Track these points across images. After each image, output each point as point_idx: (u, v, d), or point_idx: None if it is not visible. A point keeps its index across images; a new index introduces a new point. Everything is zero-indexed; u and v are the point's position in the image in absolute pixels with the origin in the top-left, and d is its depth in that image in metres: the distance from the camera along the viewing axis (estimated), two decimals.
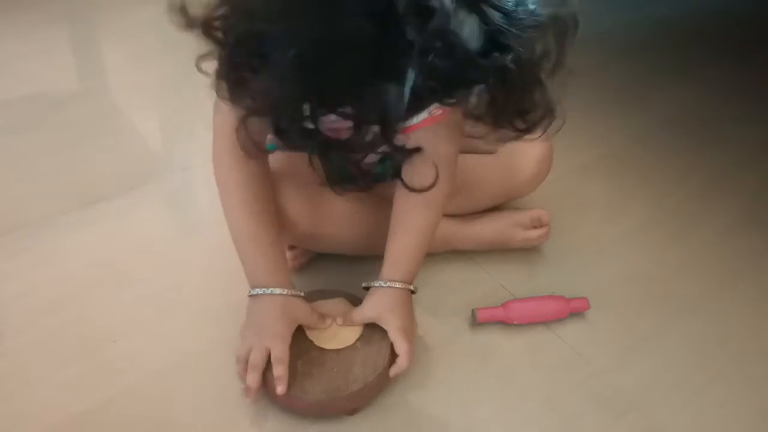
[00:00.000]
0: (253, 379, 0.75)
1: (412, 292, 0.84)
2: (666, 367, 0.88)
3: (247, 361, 0.76)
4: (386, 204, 0.93)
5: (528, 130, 0.60)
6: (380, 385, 0.79)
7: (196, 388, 0.81)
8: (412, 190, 0.67)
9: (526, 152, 0.96)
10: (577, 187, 1.16)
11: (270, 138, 0.94)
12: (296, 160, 0.90)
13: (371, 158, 0.63)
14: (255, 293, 0.79)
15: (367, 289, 0.85)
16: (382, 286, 0.82)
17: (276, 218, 0.83)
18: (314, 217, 0.86)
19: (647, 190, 1.18)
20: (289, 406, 0.78)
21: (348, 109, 0.52)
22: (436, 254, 0.98)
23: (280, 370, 0.75)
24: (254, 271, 0.81)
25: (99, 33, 1.62)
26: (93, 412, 0.77)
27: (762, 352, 0.91)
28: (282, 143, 0.60)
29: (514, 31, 0.51)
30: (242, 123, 0.58)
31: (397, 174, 0.69)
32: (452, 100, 0.54)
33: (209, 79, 0.58)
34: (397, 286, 0.82)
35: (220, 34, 0.55)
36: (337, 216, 0.88)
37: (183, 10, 0.56)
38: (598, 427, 0.80)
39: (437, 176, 0.67)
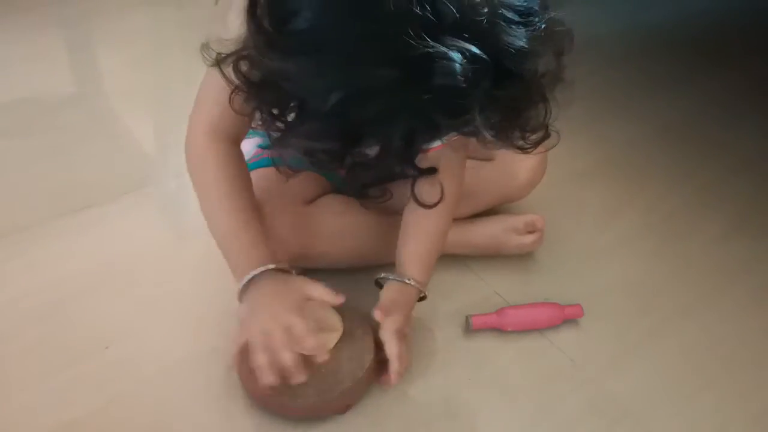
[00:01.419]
0: (290, 357, 0.70)
1: (422, 298, 0.85)
2: (659, 373, 0.88)
3: (263, 351, 0.71)
4: (378, 215, 0.93)
5: (529, 148, 0.62)
6: (369, 379, 0.79)
7: (189, 395, 0.80)
8: (423, 205, 0.70)
9: (521, 157, 0.95)
10: (571, 193, 1.16)
11: (264, 153, 0.94)
12: (283, 179, 0.89)
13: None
14: (247, 279, 0.75)
15: (379, 285, 0.85)
16: (398, 281, 0.83)
17: (255, 206, 0.81)
18: (304, 236, 0.86)
19: (641, 197, 1.18)
20: (283, 412, 0.77)
21: (375, 144, 0.55)
22: None
23: (311, 342, 0.71)
24: (240, 269, 0.77)
25: (94, 37, 1.62)
26: (84, 419, 0.77)
27: (754, 359, 0.91)
28: (310, 163, 0.61)
29: (522, 56, 0.53)
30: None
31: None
32: (468, 129, 0.55)
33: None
34: (412, 283, 0.83)
35: (248, 72, 0.57)
36: (327, 233, 0.88)
37: (205, 48, 0.59)
38: None
39: (443, 193, 0.70)
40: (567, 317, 0.91)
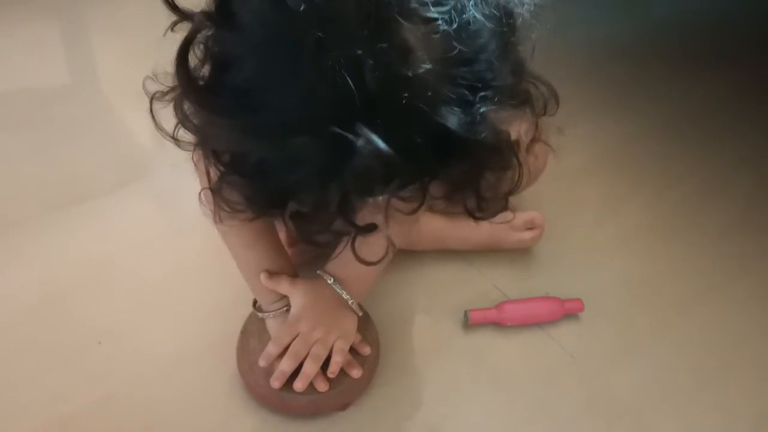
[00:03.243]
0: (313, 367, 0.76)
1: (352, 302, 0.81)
2: (659, 371, 0.87)
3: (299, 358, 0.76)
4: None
5: (482, 218, 0.58)
6: (370, 376, 0.79)
7: (184, 391, 0.79)
8: (362, 262, 0.64)
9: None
10: (571, 188, 1.15)
11: None
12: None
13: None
14: (269, 317, 0.79)
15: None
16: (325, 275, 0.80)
17: (279, 242, 0.82)
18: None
19: (641, 192, 1.17)
20: (281, 408, 0.76)
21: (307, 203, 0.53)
22: (429, 253, 0.97)
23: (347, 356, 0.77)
24: (270, 297, 0.80)
25: (89, 28, 1.60)
26: (77, 415, 0.76)
27: (756, 357, 0.90)
28: (250, 208, 0.58)
29: (475, 132, 0.49)
30: (216, 192, 0.57)
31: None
32: (407, 195, 0.52)
33: None
34: (337, 288, 0.79)
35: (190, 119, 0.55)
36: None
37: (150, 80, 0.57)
38: (590, 430, 0.80)
39: (387, 251, 0.66)
40: (567, 312, 0.91)
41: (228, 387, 0.79)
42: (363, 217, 0.54)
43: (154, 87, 0.58)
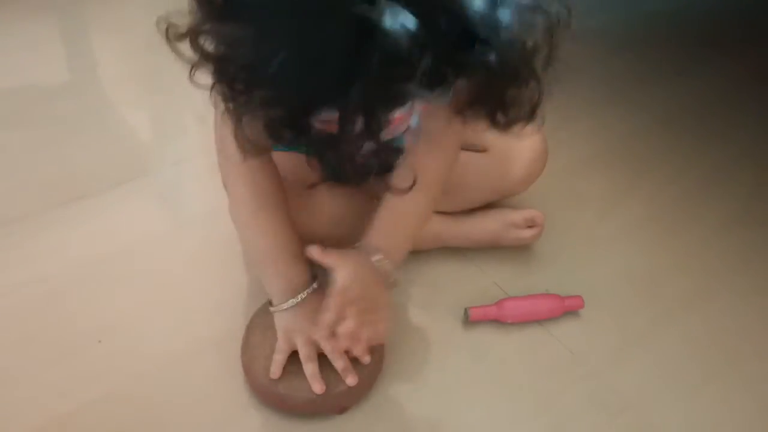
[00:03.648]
0: (342, 362, 0.76)
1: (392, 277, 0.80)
2: (661, 365, 0.87)
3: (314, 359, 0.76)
4: (378, 205, 0.92)
5: (507, 126, 0.59)
6: (370, 383, 0.78)
7: (184, 389, 0.79)
8: (394, 190, 0.65)
9: (519, 152, 0.95)
10: (572, 183, 1.15)
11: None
12: (285, 161, 0.89)
13: (367, 149, 0.62)
14: (292, 304, 0.78)
15: None
16: (354, 247, 0.80)
17: (291, 223, 0.81)
18: (304, 218, 0.85)
19: (642, 187, 1.17)
20: (279, 405, 0.76)
21: (330, 112, 0.52)
22: (429, 251, 0.96)
23: (341, 364, 0.76)
24: (280, 281, 0.79)
25: (89, 26, 1.60)
26: (77, 413, 0.76)
27: (758, 351, 0.90)
28: (276, 142, 0.59)
29: (496, 23, 0.50)
30: (238, 127, 0.58)
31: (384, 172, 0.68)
32: (432, 95, 0.52)
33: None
34: (376, 258, 0.78)
35: (206, 47, 0.54)
36: (327, 218, 0.87)
37: (170, 26, 0.56)
38: (592, 427, 0.79)
39: (414, 181, 0.66)
40: (567, 309, 0.90)
41: (228, 385, 0.79)
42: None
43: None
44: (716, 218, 1.11)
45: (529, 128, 0.94)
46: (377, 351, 0.79)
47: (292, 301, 0.77)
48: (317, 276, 0.79)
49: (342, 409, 0.77)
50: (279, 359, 0.77)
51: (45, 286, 0.90)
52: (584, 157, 1.21)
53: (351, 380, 0.75)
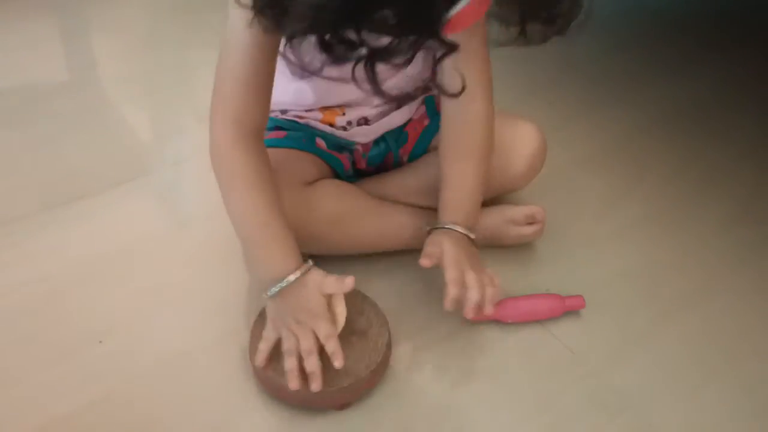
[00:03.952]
0: (313, 363, 0.73)
1: (472, 240, 0.86)
2: (661, 365, 0.87)
3: (293, 353, 0.74)
4: (376, 203, 0.93)
5: (552, 21, 0.59)
6: (372, 380, 0.78)
7: (184, 389, 0.79)
8: (448, 94, 0.68)
9: (519, 147, 0.95)
10: (571, 182, 1.15)
11: (267, 134, 0.93)
12: (285, 158, 0.89)
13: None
14: (275, 290, 0.76)
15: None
16: (441, 227, 0.86)
17: (282, 207, 0.80)
18: (301, 215, 0.85)
19: (642, 185, 1.17)
20: (279, 396, 0.77)
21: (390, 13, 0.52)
22: None
23: (332, 346, 0.74)
24: (267, 261, 0.78)
25: (88, 25, 1.60)
26: (77, 414, 0.76)
27: (758, 350, 0.90)
28: (329, 57, 0.59)
29: None
30: (289, 44, 0.58)
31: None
32: None
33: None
34: (457, 228, 0.85)
35: None
36: (324, 215, 0.87)
37: None
38: (592, 427, 0.79)
39: (464, 85, 0.68)
40: (568, 308, 0.90)
41: (230, 384, 0.79)
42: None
43: None
44: (716, 217, 1.11)
45: (529, 125, 0.95)
46: (383, 350, 0.79)
47: (273, 290, 0.76)
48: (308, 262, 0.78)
49: (342, 406, 0.77)
50: (262, 348, 0.76)
51: (45, 286, 0.90)
52: (583, 156, 1.21)
53: (337, 364, 0.74)
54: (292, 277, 0.76)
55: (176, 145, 1.21)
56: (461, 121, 0.87)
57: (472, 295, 0.78)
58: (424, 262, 0.82)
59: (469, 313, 0.78)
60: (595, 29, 1.60)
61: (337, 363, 0.73)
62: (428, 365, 0.84)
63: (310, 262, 0.78)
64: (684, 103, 1.40)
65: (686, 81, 1.47)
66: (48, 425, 0.75)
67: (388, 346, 0.80)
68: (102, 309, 0.88)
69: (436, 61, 0.59)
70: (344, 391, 0.76)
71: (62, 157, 1.14)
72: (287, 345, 0.75)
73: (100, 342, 0.83)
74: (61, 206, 1.03)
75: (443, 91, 0.71)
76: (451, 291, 0.78)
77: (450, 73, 0.68)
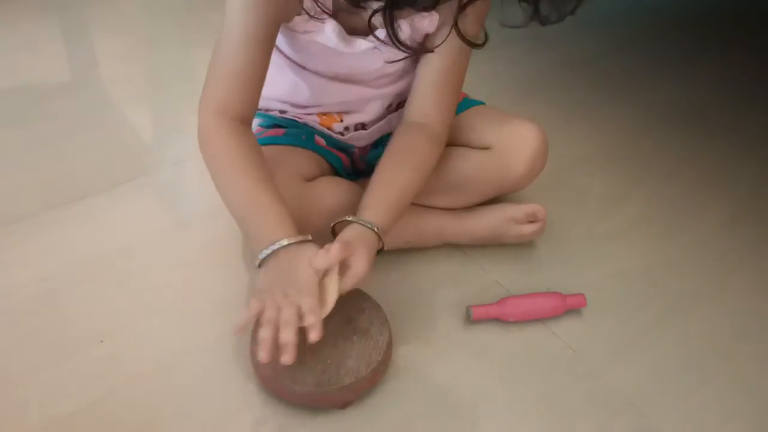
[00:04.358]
0: (288, 333, 0.68)
1: (380, 250, 0.81)
2: (662, 365, 0.86)
3: (271, 324, 0.69)
4: None
5: (548, 17, 0.61)
6: (374, 379, 0.78)
7: (185, 390, 0.79)
8: (465, 40, 0.72)
9: (520, 148, 0.94)
10: (572, 180, 1.15)
11: (265, 131, 0.93)
12: (284, 156, 0.89)
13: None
14: (265, 255, 0.74)
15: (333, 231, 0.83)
16: (348, 220, 0.80)
17: (272, 176, 0.80)
18: (302, 211, 0.84)
19: (643, 184, 1.17)
20: (280, 395, 0.76)
21: None
22: (430, 249, 0.96)
23: (311, 319, 0.69)
24: (259, 230, 0.76)
25: (89, 25, 1.60)
26: (77, 414, 0.75)
27: (758, 351, 0.90)
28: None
29: None
30: None
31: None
32: None
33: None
34: (364, 223, 0.79)
35: None
36: (325, 211, 0.87)
37: None
38: (593, 426, 0.79)
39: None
40: (569, 307, 0.90)
41: (229, 384, 0.79)
42: None
43: None
44: (717, 216, 1.11)
45: (530, 125, 0.95)
46: (384, 348, 0.79)
47: (265, 252, 0.74)
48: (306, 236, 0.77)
49: (344, 404, 0.77)
50: (243, 316, 0.71)
51: (45, 286, 0.90)
52: (584, 156, 1.21)
53: (313, 337, 0.70)
54: (285, 241, 0.74)
55: (177, 145, 1.21)
56: (414, 134, 0.87)
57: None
58: (333, 254, 0.74)
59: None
60: (595, 29, 1.60)
61: (313, 336, 0.69)
62: (429, 364, 0.84)
63: (309, 237, 0.77)
64: (684, 103, 1.40)
65: (686, 81, 1.47)
66: (48, 425, 0.74)
67: (389, 345, 0.80)
68: (102, 309, 0.88)
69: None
70: (345, 389, 0.75)
71: (62, 157, 1.14)
72: (268, 314, 0.70)
73: (101, 342, 0.83)
74: (61, 206, 1.03)
75: (462, 36, 0.73)
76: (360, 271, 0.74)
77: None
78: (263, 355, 0.69)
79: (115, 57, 1.44)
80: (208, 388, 0.79)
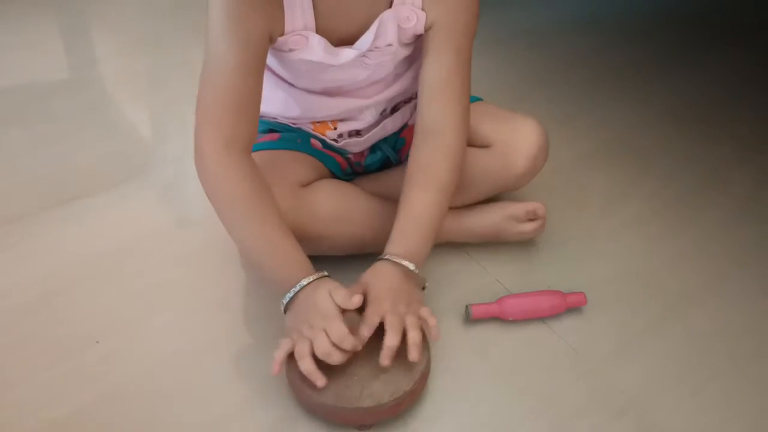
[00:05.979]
0: (335, 358, 0.71)
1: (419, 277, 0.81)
2: (663, 364, 0.86)
3: (305, 356, 0.72)
4: (375, 202, 0.92)
5: None
6: (395, 410, 0.74)
7: (183, 390, 0.79)
8: None
9: (520, 146, 0.94)
10: (573, 178, 1.14)
11: (262, 137, 0.93)
12: (280, 160, 0.88)
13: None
14: (288, 299, 0.76)
15: None
16: (380, 259, 0.80)
17: (282, 217, 0.80)
18: (301, 216, 0.84)
19: (644, 182, 1.16)
20: (301, 400, 0.75)
21: None
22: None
23: (348, 344, 0.72)
24: (280, 275, 0.77)
25: (88, 23, 1.60)
26: (75, 415, 0.75)
27: (760, 349, 0.89)
28: None
29: None
30: None
31: None
32: None
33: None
34: (395, 259, 0.79)
35: None
36: (323, 216, 0.86)
37: None
38: (594, 425, 0.79)
39: None
40: (570, 306, 0.90)
41: (229, 383, 0.79)
42: None
43: None
44: (719, 214, 1.10)
45: (531, 122, 0.94)
46: (417, 378, 0.75)
47: (288, 296, 0.76)
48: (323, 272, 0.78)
49: (362, 426, 0.75)
50: (275, 356, 0.73)
51: (44, 286, 0.90)
52: (585, 153, 1.21)
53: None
54: (305, 281, 0.76)
55: (176, 143, 1.21)
56: (430, 149, 0.85)
57: (387, 341, 0.73)
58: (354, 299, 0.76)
59: (384, 360, 0.72)
60: (596, 26, 1.60)
61: (336, 358, 0.71)
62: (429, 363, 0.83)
63: (325, 273, 0.78)
64: (685, 100, 1.40)
65: (689, 77, 1.46)
66: (45, 427, 0.74)
67: (424, 377, 0.76)
68: (101, 309, 0.87)
69: None
70: (363, 412, 0.72)
71: (62, 156, 1.14)
72: (298, 348, 0.72)
73: (98, 342, 0.83)
74: (61, 206, 1.03)
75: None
76: (364, 333, 0.74)
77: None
78: (320, 381, 0.71)
79: (114, 55, 1.44)
80: (208, 387, 0.79)
